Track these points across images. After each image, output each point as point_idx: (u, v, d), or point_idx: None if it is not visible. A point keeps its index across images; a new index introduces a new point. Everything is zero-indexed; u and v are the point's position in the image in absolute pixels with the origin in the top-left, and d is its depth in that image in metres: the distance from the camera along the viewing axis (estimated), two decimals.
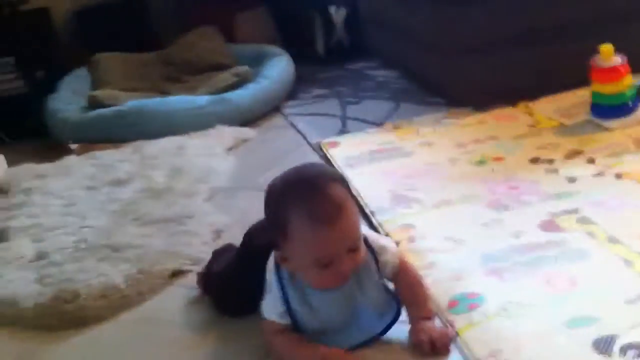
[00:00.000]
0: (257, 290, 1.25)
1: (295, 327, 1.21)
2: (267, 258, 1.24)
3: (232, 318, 1.40)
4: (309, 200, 1.11)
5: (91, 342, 1.44)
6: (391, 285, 1.27)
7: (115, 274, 1.59)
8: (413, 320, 1.25)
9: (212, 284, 1.47)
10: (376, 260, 1.22)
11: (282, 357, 1.23)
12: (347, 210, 1.12)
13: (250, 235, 1.38)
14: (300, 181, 1.14)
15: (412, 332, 1.23)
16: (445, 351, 1.19)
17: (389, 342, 1.24)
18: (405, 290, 1.26)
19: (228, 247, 1.57)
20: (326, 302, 1.19)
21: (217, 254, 1.55)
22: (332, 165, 2.07)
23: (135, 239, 1.76)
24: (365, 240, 1.20)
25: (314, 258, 1.12)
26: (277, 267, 1.20)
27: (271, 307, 1.22)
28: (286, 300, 1.19)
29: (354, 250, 1.14)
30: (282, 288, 1.19)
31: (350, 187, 1.20)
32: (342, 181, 1.17)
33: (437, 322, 1.24)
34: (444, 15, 2.31)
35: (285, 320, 1.21)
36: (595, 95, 2.02)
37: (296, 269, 1.18)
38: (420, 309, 1.25)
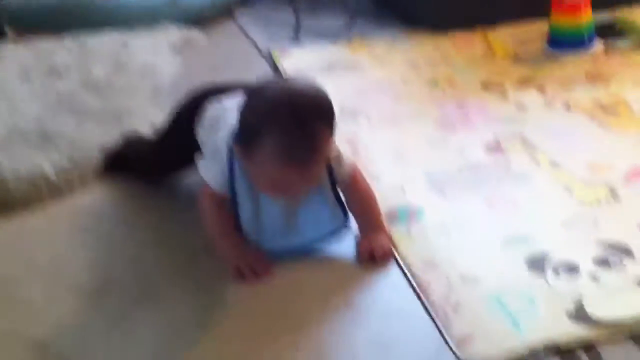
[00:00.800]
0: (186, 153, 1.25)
1: (232, 204, 1.17)
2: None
3: (164, 214, 1.37)
4: (289, 135, 1.04)
5: (17, 228, 1.38)
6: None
7: (46, 162, 1.52)
8: (361, 232, 1.23)
9: (137, 151, 1.49)
10: (331, 172, 1.17)
11: (207, 228, 1.21)
12: (320, 156, 1.08)
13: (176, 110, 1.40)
14: (291, 110, 1.05)
15: (356, 243, 1.21)
16: (383, 263, 1.18)
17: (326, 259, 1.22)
18: (355, 203, 1.23)
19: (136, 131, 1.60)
20: (269, 198, 1.15)
21: (127, 136, 1.59)
22: (281, 74, 2.02)
23: (69, 131, 1.68)
24: None
25: (268, 180, 1.09)
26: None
27: (212, 173, 1.17)
28: (231, 175, 1.15)
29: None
30: (231, 162, 1.14)
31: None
32: (331, 118, 1.09)
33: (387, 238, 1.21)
34: None
35: (224, 191, 1.16)
36: (553, 27, 2.00)
37: (247, 168, 1.12)
38: (368, 222, 1.22)
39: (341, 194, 1.21)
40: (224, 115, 1.21)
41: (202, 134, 1.27)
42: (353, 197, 1.23)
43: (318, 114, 1.07)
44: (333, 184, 1.19)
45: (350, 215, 1.22)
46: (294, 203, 1.16)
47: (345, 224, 1.21)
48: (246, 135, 1.09)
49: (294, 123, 1.04)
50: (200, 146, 1.26)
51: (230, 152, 1.14)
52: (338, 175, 1.19)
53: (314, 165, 1.08)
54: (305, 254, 1.21)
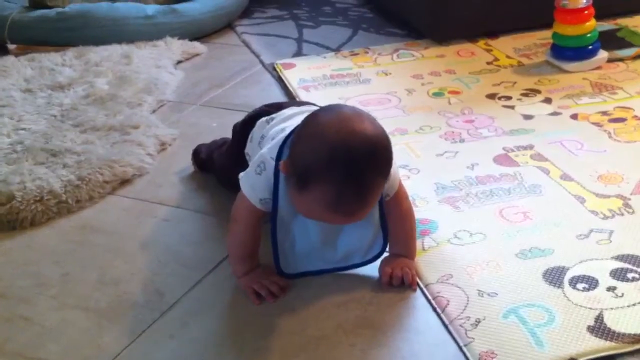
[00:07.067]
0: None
1: (272, 217, 1.13)
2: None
3: (173, 229, 1.37)
4: (341, 188, 0.98)
5: (25, 247, 1.37)
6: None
7: (53, 179, 1.51)
8: (389, 250, 1.20)
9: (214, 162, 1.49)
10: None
11: (229, 244, 1.19)
12: (367, 208, 1.03)
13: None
14: (346, 161, 0.98)
15: (382, 261, 1.19)
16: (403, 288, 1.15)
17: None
18: (392, 223, 1.18)
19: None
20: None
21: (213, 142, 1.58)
22: (286, 87, 2.02)
23: (75, 145, 1.67)
24: None
25: (311, 215, 1.06)
26: (279, 156, 1.10)
27: (254, 189, 1.12)
28: (275, 191, 1.10)
29: None
30: (277, 176, 1.09)
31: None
32: (387, 166, 1.04)
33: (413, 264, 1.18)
34: None
35: (261, 207, 1.13)
36: (556, 36, 2.00)
37: (291, 195, 1.08)
38: (399, 245, 1.19)
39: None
40: (272, 131, 1.18)
41: (249, 147, 1.27)
42: (392, 214, 1.18)
43: (374, 167, 1.01)
44: (381, 202, 1.14)
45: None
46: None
47: (380, 256, 1.18)
48: (298, 173, 1.02)
49: (347, 176, 0.98)
50: (248, 161, 1.25)
51: (277, 166, 1.09)
52: (383, 189, 1.13)
53: (355, 217, 1.04)
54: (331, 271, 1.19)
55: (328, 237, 1.15)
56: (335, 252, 1.16)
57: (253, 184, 1.12)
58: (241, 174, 1.14)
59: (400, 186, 1.18)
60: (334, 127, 1.00)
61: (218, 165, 1.49)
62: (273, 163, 1.09)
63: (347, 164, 0.98)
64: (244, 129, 1.32)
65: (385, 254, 1.20)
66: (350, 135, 0.99)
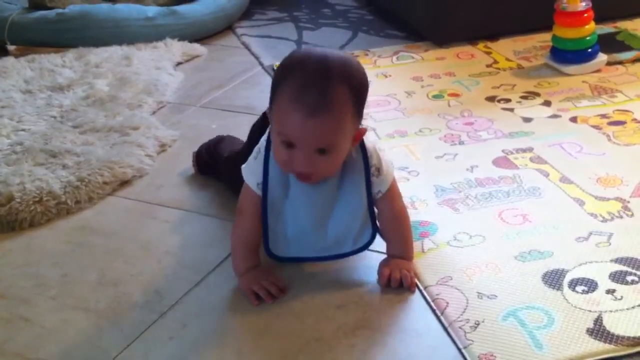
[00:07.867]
0: None
1: (263, 203, 1.15)
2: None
3: (172, 231, 1.36)
4: (306, 81, 1.03)
5: (24, 248, 1.37)
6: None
7: (53, 180, 1.51)
8: (387, 252, 1.20)
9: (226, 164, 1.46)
10: (369, 180, 1.15)
11: (232, 240, 1.20)
12: (330, 114, 1.02)
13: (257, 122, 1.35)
14: (317, 61, 1.05)
15: (380, 263, 1.19)
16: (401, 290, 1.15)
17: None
18: (386, 220, 1.18)
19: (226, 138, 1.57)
20: (301, 192, 1.13)
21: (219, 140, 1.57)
22: None
23: (75, 147, 1.67)
24: (365, 152, 1.13)
25: (278, 129, 1.07)
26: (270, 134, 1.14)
27: (252, 173, 1.16)
28: (266, 172, 1.14)
29: (322, 152, 1.06)
30: (267, 157, 1.13)
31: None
32: (358, 86, 1.07)
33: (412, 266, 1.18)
34: None
35: (259, 192, 1.15)
36: (555, 39, 2.00)
37: (272, 135, 1.11)
38: (396, 246, 1.19)
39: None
40: None
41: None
42: (385, 213, 1.18)
43: (342, 70, 1.04)
44: (369, 196, 1.15)
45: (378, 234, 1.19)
46: (326, 195, 1.14)
47: (369, 245, 1.19)
48: (272, 88, 1.07)
49: (314, 70, 1.03)
50: None
51: (267, 145, 1.12)
52: (374, 185, 1.15)
53: (318, 120, 1.02)
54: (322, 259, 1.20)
55: (318, 221, 1.15)
56: (326, 236, 1.16)
57: (251, 168, 1.16)
58: (243, 165, 1.17)
59: (394, 185, 1.18)
60: (310, 50, 1.10)
61: (232, 164, 1.39)
62: (265, 143, 1.13)
63: (317, 62, 1.04)
64: (264, 123, 1.29)
65: (384, 256, 1.20)
66: (323, 52, 1.07)
